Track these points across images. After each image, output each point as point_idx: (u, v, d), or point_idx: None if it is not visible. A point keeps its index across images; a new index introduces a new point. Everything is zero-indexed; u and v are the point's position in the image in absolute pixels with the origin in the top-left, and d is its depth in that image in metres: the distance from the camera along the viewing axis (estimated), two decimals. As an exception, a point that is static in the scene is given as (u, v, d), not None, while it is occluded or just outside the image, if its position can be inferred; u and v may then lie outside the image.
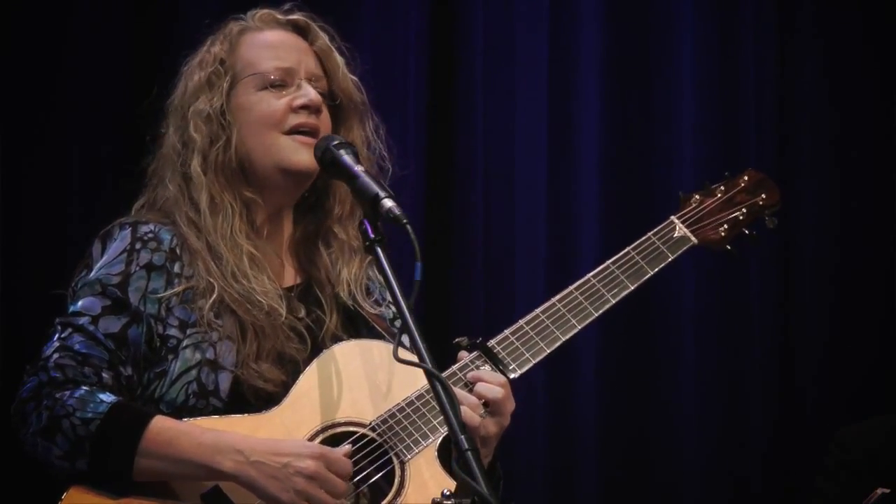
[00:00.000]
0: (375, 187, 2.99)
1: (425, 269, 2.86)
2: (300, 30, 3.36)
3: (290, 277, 3.34)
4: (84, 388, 3.02)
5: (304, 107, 3.25)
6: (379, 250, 2.94)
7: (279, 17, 3.36)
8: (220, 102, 3.27)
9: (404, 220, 2.91)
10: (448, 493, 2.97)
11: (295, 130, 3.25)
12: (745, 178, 3.59)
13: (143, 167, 3.35)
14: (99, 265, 3.17)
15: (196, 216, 3.23)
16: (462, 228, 5.21)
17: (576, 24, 5.37)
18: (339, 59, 3.36)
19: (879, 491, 3.89)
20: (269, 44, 3.32)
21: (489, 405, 3.15)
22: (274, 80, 3.27)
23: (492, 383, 3.17)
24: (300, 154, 3.23)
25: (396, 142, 5.11)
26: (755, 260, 5.41)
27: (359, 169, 3.07)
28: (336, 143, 3.16)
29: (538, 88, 5.32)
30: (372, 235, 2.95)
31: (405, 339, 2.87)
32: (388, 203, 2.95)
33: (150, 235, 3.21)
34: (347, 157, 3.12)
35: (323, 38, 3.36)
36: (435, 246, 5.07)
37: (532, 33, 5.33)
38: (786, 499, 5.34)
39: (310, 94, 3.26)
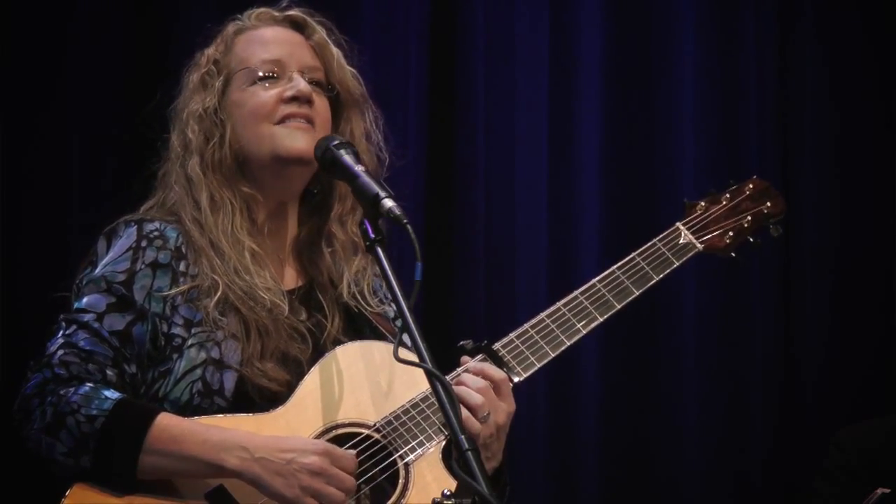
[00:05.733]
0: (376, 187, 2.99)
1: (426, 269, 2.86)
2: (296, 25, 3.37)
3: (292, 280, 3.34)
4: (88, 384, 3.02)
5: (294, 98, 3.25)
6: (379, 250, 2.94)
7: (275, 14, 3.38)
8: (214, 102, 3.28)
9: (404, 220, 2.92)
10: (448, 492, 2.97)
11: (285, 119, 3.25)
12: (751, 185, 3.60)
13: (152, 171, 3.36)
14: (104, 262, 3.17)
15: (199, 215, 3.24)
16: (463, 228, 5.20)
17: (576, 23, 5.37)
18: (336, 51, 3.36)
19: (879, 491, 3.88)
20: (261, 40, 3.33)
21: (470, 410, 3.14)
22: (263, 74, 3.28)
23: (471, 387, 3.15)
24: (294, 139, 3.24)
25: (397, 140, 5.13)
26: (756, 261, 5.40)
27: (359, 169, 3.07)
28: (336, 143, 3.16)
29: (539, 87, 5.31)
30: (372, 235, 2.95)
31: (406, 338, 2.88)
32: (389, 203, 2.95)
33: (156, 233, 3.21)
34: (348, 157, 3.12)
35: (320, 32, 3.37)
36: (435, 246, 5.06)
37: (533, 32, 5.33)
38: (786, 499, 5.34)
39: (299, 84, 3.26)
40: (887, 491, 3.89)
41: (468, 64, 5.24)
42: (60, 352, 3.06)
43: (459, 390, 3.13)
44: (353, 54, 3.40)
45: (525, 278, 5.22)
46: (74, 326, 3.10)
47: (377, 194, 2.98)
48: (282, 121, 3.25)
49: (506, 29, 5.31)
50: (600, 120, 5.37)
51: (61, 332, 3.10)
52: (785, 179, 5.45)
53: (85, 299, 3.13)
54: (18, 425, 3.05)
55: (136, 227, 3.22)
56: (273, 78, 3.28)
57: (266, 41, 3.33)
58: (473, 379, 3.17)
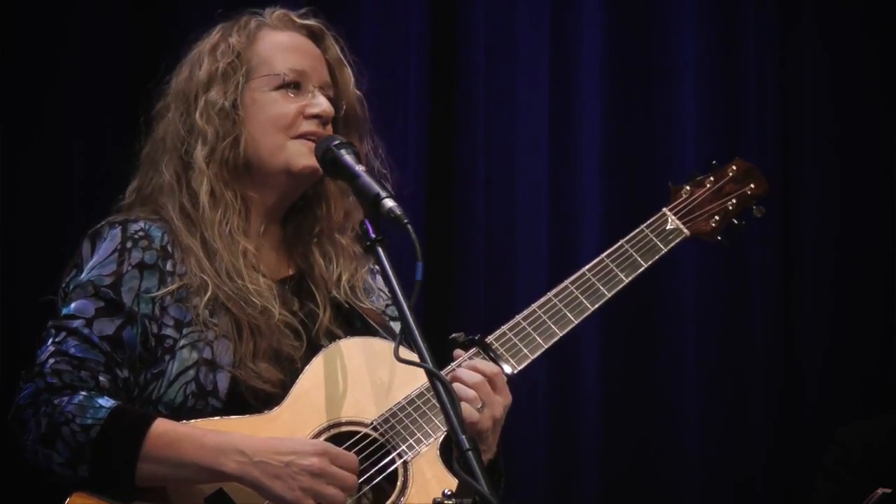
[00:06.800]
0: (376, 187, 2.99)
1: (426, 269, 2.86)
2: (314, 36, 3.34)
3: (284, 269, 3.32)
4: (82, 393, 2.99)
5: (316, 116, 3.24)
6: (380, 250, 2.94)
7: (296, 19, 3.34)
8: (235, 97, 3.24)
9: (405, 220, 2.91)
10: (449, 492, 2.96)
11: (303, 136, 3.23)
12: (734, 167, 3.58)
13: (135, 150, 3.32)
14: (90, 266, 3.14)
15: (192, 207, 3.21)
16: (463, 228, 5.21)
17: (577, 23, 5.37)
18: (349, 74, 3.34)
19: (880, 491, 3.88)
20: (286, 45, 3.30)
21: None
22: (289, 82, 3.25)
23: (466, 382, 3.15)
24: (310, 157, 3.21)
25: (398, 142, 5.13)
26: (758, 257, 5.41)
27: (360, 168, 3.07)
28: (337, 143, 3.15)
29: (539, 88, 5.32)
30: (373, 235, 2.95)
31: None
32: (389, 203, 2.95)
33: (141, 234, 3.17)
34: (348, 157, 3.11)
35: (335, 49, 3.35)
36: (436, 246, 5.07)
37: (533, 32, 5.33)
38: (787, 498, 5.34)
39: (323, 104, 3.25)
40: (888, 491, 3.89)
41: (468, 64, 5.24)
42: (52, 360, 3.03)
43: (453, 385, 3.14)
44: (362, 77, 3.38)
45: (525, 278, 5.22)
46: (64, 333, 3.06)
47: (378, 194, 2.97)
48: (299, 136, 3.24)
49: (506, 28, 5.31)
50: (601, 119, 5.37)
51: (51, 340, 3.06)
52: (786, 177, 5.46)
53: (73, 305, 3.09)
54: (13, 435, 3.03)
55: (120, 228, 3.18)
56: (296, 88, 3.26)
57: (290, 48, 3.29)
58: (469, 374, 3.16)
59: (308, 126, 3.23)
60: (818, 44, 5.52)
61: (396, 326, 3.36)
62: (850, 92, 5.50)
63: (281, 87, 3.26)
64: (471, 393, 3.13)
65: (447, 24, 5.23)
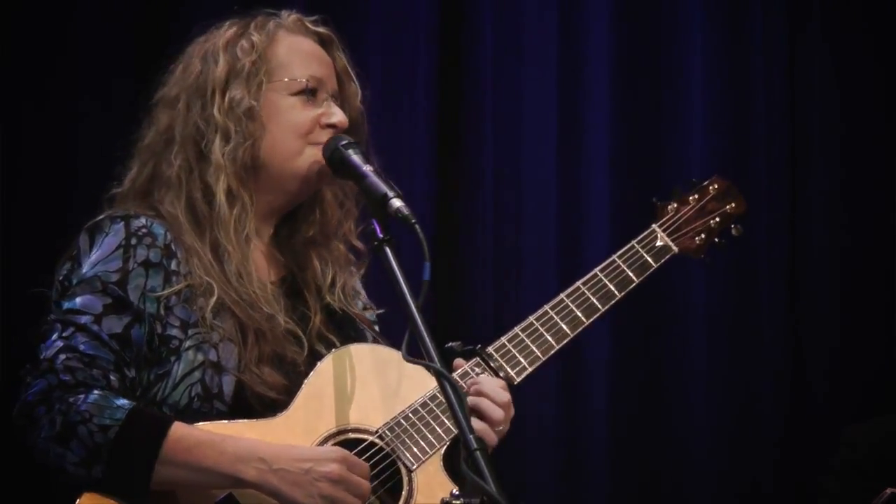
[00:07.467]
0: (384, 187, 2.99)
1: (434, 269, 2.85)
2: (324, 44, 3.33)
3: (276, 272, 3.30)
4: (97, 392, 2.94)
5: (333, 125, 3.22)
6: (388, 250, 2.93)
7: (308, 25, 3.32)
8: (258, 97, 3.21)
9: (413, 220, 2.91)
10: (457, 492, 2.96)
11: (319, 145, 3.22)
12: (714, 186, 3.61)
13: (132, 138, 3.28)
14: (92, 260, 3.08)
15: (205, 204, 3.18)
16: (471, 228, 5.20)
17: (585, 21, 5.37)
18: (356, 87, 3.33)
19: (889, 491, 3.87)
20: (305, 51, 3.28)
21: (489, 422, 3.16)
22: (307, 89, 3.23)
23: (496, 401, 3.16)
24: (322, 162, 3.21)
25: (406, 142, 5.12)
26: (765, 262, 5.41)
27: (367, 168, 3.07)
28: (345, 142, 3.15)
29: (547, 88, 5.32)
30: (381, 235, 2.94)
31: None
32: (397, 203, 2.94)
33: (144, 230, 3.12)
34: (356, 157, 3.11)
35: (343, 60, 3.34)
36: (444, 246, 5.07)
37: (541, 30, 5.33)
38: (796, 498, 5.34)
39: (339, 114, 3.23)
40: (896, 491, 3.88)
41: (476, 64, 5.24)
42: (62, 356, 2.97)
43: (480, 402, 3.15)
44: (365, 91, 3.36)
45: (533, 278, 5.22)
46: (72, 329, 3.01)
47: (385, 194, 2.97)
48: (314, 143, 3.22)
49: (514, 27, 5.31)
50: (609, 119, 5.37)
51: (57, 335, 3.01)
52: (793, 179, 5.46)
53: (78, 300, 3.03)
54: (22, 433, 2.97)
55: (123, 223, 3.12)
56: (312, 95, 3.24)
57: (308, 54, 3.28)
58: (499, 393, 3.18)
59: (323, 135, 3.21)
60: (826, 45, 5.52)
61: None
62: (858, 93, 5.50)
63: (300, 92, 3.24)
64: (499, 415, 3.16)
65: (455, 23, 5.22)
